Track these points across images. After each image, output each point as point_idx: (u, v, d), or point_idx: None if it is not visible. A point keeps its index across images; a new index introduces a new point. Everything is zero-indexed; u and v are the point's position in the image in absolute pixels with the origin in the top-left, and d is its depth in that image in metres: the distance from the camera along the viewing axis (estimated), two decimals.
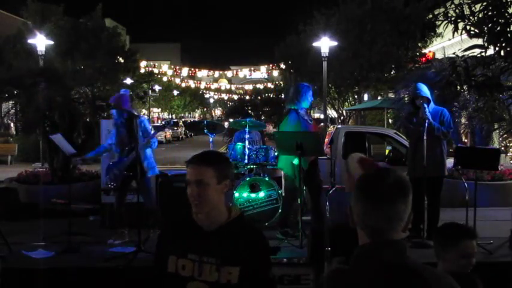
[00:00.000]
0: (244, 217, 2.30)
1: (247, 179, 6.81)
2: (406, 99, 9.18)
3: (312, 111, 38.03)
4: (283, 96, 18.17)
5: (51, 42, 18.36)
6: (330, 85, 22.24)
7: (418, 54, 21.75)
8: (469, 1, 5.36)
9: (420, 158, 5.76)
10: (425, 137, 5.67)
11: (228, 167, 2.25)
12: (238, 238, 2.12)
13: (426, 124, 5.70)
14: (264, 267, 2.14)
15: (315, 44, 19.20)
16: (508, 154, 13.63)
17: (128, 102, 6.13)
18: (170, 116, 63.37)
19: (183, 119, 53.43)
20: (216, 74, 49.96)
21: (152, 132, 6.18)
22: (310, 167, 6.08)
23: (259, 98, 26.30)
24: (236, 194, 6.70)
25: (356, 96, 26.54)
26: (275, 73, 38.54)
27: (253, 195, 6.77)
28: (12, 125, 22.02)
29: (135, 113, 5.94)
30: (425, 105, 5.82)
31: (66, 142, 6.14)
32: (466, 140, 11.98)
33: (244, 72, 45.95)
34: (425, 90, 5.97)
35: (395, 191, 1.54)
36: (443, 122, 5.93)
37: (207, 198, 2.13)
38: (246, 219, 2.32)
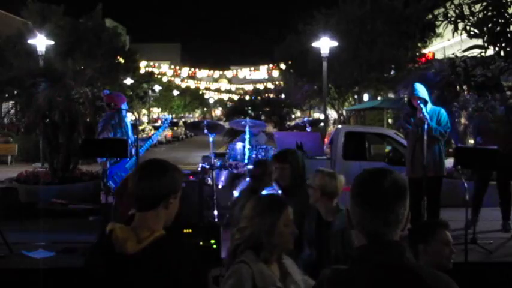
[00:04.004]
0: None
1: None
2: (406, 99, 9.18)
3: (311, 111, 38.05)
4: (283, 96, 18.12)
5: (51, 43, 18.33)
6: (329, 85, 22.22)
7: (418, 54, 21.75)
8: (469, 1, 5.37)
9: (419, 159, 5.75)
10: (425, 137, 5.66)
11: None
12: None
13: (425, 125, 5.69)
14: None
15: (314, 44, 19.17)
16: None
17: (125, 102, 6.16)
18: (170, 116, 63.19)
19: (183, 119, 53.32)
20: (216, 74, 49.72)
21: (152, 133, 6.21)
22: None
23: (259, 98, 26.31)
24: (236, 194, 6.69)
25: (356, 96, 26.53)
26: (275, 73, 38.45)
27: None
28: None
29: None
30: (423, 106, 5.81)
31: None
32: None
33: (244, 72, 45.79)
34: (422, 90, 5.94)
35: (393, 195, 1.51)
36: (441, 122, 5.92)
37: None
38: None
